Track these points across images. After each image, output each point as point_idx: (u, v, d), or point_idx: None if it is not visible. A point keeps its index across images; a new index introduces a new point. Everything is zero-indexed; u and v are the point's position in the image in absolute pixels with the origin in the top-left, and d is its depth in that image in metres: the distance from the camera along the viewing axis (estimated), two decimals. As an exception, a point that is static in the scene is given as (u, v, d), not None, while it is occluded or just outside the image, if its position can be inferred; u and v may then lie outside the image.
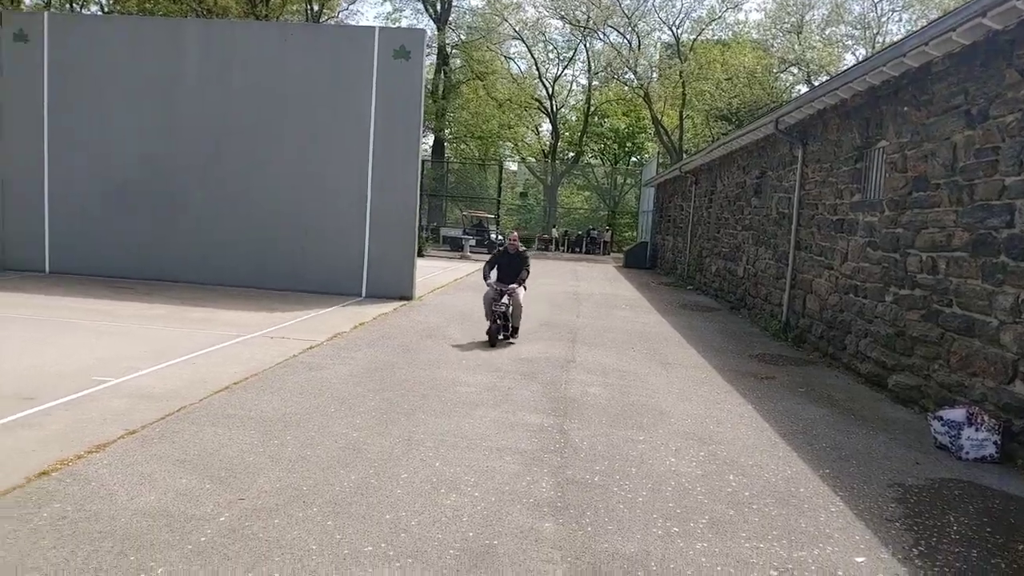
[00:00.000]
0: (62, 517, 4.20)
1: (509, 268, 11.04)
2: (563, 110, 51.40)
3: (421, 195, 33.72)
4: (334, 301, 13.87)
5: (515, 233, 11.95)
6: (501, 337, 10.64)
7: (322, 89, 14.75)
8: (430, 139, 46.76)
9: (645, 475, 5.53)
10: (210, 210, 15.18)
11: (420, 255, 27.74)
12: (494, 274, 10.94)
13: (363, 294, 14.90)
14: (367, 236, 14.88)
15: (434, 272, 21.94)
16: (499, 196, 36.02)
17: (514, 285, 10.74)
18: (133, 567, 3.70)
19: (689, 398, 8.08)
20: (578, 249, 41.46)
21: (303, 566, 3.83)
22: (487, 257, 38.62)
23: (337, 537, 4.18)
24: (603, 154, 52.47)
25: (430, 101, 42.67)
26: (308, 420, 6.37)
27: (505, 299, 10.54)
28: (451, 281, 19.81)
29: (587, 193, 51.32)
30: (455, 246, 32.76)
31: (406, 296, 14.91)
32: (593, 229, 43.43)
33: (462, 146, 51.53)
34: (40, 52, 15.20)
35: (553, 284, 21.14)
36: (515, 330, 10.92)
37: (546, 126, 51.82)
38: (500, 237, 36.32)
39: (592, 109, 49.23)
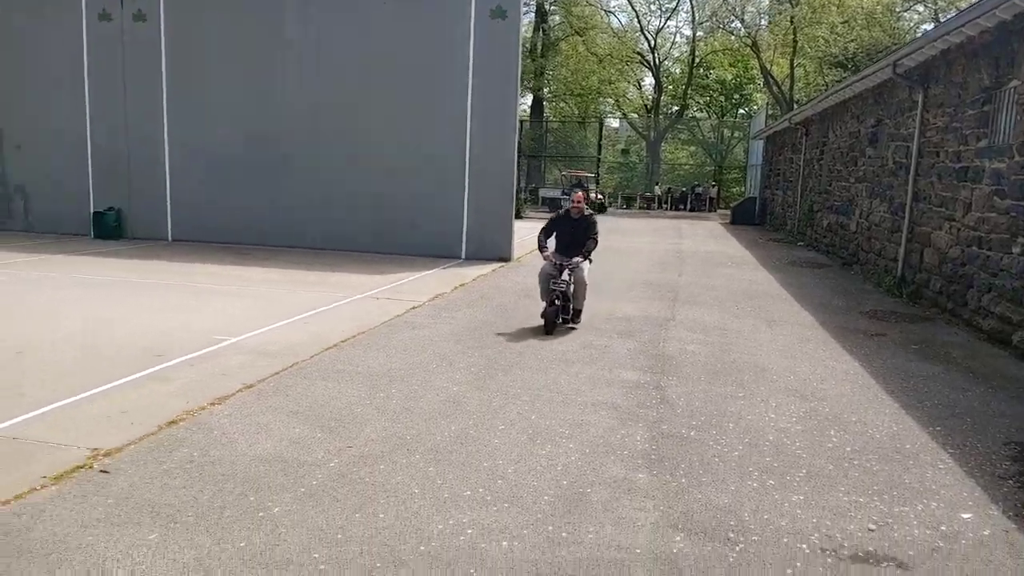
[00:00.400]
0: (189, 461, 4.61)
1: (571, 236, 8.91)
2: (666, 63, 49.83)
3: (519, 156, 33.67)
4: (436, 263, 14.23)
5: (579, 192, 9.45)
6: (559, 322, 8.77)
7: (420, 51, 14.95)
8: (528, 99, 46.44)
9: (743, 430, 5.48)
10: (319, 177, 15.79)
11: (518, 217, 27.86)
12: (551, 244, 8.97)
13: (463, 256, 15.19)
14: (466, 199, 15.11)
15: (532, 233, 21.95)
16: (599, 154, 35.41)
17: (578, 258, 8.70)
18: (253, 506, 4.03)
19: (793, 355, 7.88)
20: (682, 206, 40.44)
21: (406, 508, 4.06)
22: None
23: (438, 482, 4.40)
24: (709, 107, 50.63)
25: (528, 60, 42.32)
26: (411, 375, 6.65)
27: (565, 275, 8.58)
28: (551, 241, 19.85)
29: (692, 148, 49.83)
30: (554, 207, 32.64)
31: (504, 257, 15.09)
32: (698, 185, 42.20)
33: (561, 104, 50.95)
34: (157, 30, 16.11)
35: (655, 242, 20.84)
36: (577, 313, 8.98)
37: (648, 80, 50.47)
38: (600, 196, 35.87)
39: (697, 61, 47.48)
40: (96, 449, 4.71)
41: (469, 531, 3.83)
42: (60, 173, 17.22)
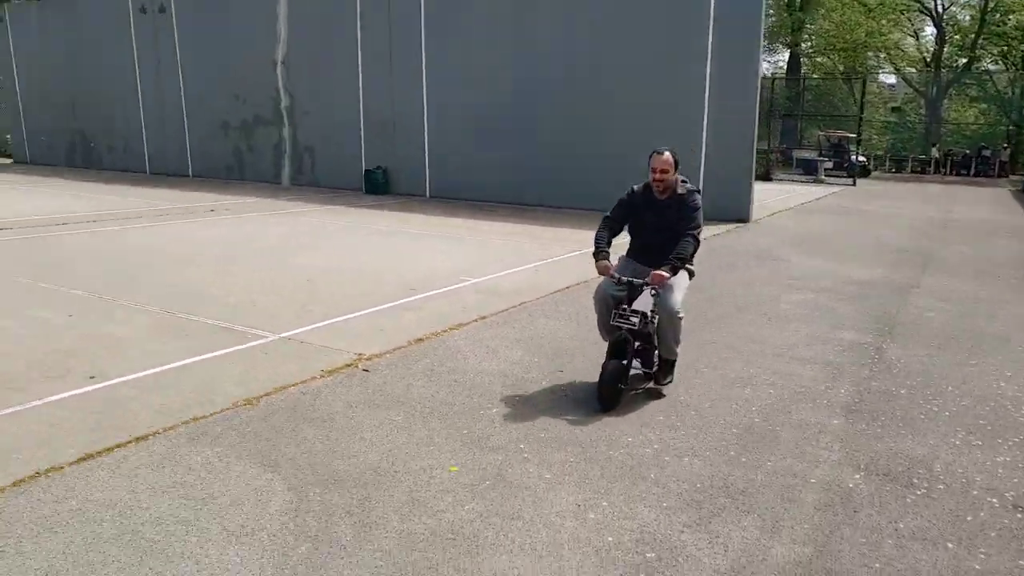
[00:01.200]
0: (430, 369, 5.53)
1: (655, 230, 5.07)
2: (952, 9, 44.13)
3: (771, 115, 31.94)
4: (670, 222, 14.39)
5: (666, 154, 4.92)
6: (632, 374, 5.04)
7: (659, 11, 14.96)
8: (785, 55, 43.69)
9: (962, 394, 5.27)
10: (562, 138, 16.52)
11: (767, 179, 26.80)
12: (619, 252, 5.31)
13: (699, 216, 15.14)
14: (703, 159, 15.00)
15: (779, 195, 21.21)
16: (861, 113, 32.56)
17: (663, 272, 4.76)
18: (476, 406, 4.82)
19: (1049, 328, 7.18)
20: (965, 171, 35.94)
21: (604, 422, 4.60)
22: (844, 181, 34.24)
23: (635, 406, 4.87)
24: (1005, 58, 44.02)
25: (785, 14, 39.88)
26: (627, 319, 7.12)
27: (641, 302, 4.95)
28: (795, 205, 19.04)
29: (983, 106, 43.78)
30: (808, 169, 30.80)
31: (742, 218, 14.86)
32: (985, 147, 37.17)
33: (821, 59, 47.16)
34: (418, 2, 17.69)
35: (919, 208, 19.13)
36: (667, 366, 5.18)
37: (929, 30, 45.07)
38: (863, 159, 33.13)
39: (991, 5, 41.50)
40: (360, 354, 5.80)
41: (655, 446, 4.27)
42: (339, 136, 19.81)
